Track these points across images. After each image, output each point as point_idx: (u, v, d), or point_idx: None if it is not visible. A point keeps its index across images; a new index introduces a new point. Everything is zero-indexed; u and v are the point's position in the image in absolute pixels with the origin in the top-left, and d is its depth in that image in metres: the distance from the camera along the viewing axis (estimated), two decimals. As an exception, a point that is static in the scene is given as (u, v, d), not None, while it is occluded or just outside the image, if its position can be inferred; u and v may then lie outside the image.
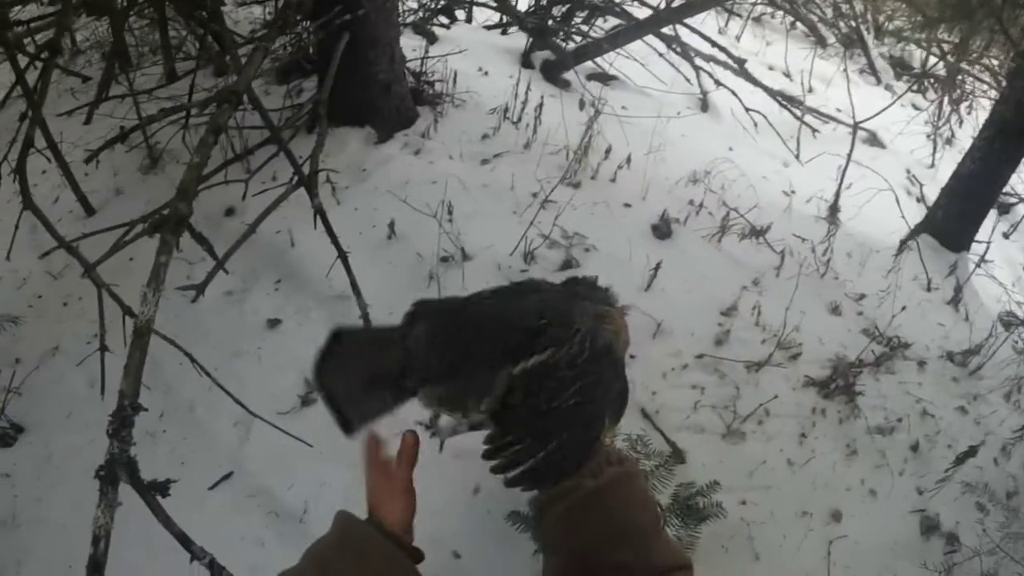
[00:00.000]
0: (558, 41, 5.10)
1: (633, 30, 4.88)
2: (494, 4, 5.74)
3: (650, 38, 5.17)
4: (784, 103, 5.43)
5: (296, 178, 2.89)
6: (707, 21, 6.24)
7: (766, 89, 5.47)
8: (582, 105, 4.58)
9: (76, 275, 3.43)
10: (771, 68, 6.41)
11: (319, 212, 2.84)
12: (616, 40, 4.89)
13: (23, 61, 3.71)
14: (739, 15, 7.37)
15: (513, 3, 5.75)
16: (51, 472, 2.94)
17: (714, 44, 5.62)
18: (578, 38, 5.25)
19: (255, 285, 3.40)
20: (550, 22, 5.25)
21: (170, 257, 2.05)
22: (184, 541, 1.38)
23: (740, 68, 5.51)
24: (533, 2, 5.51)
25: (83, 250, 2.74)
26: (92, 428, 2.98)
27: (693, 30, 5.57)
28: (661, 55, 5.33)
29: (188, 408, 3.00)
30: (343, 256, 2.89)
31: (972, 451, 3.00)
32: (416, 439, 1.15)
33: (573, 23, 5.47)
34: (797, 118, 5.38)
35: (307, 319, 3.26)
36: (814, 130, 5.38)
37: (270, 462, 2.81)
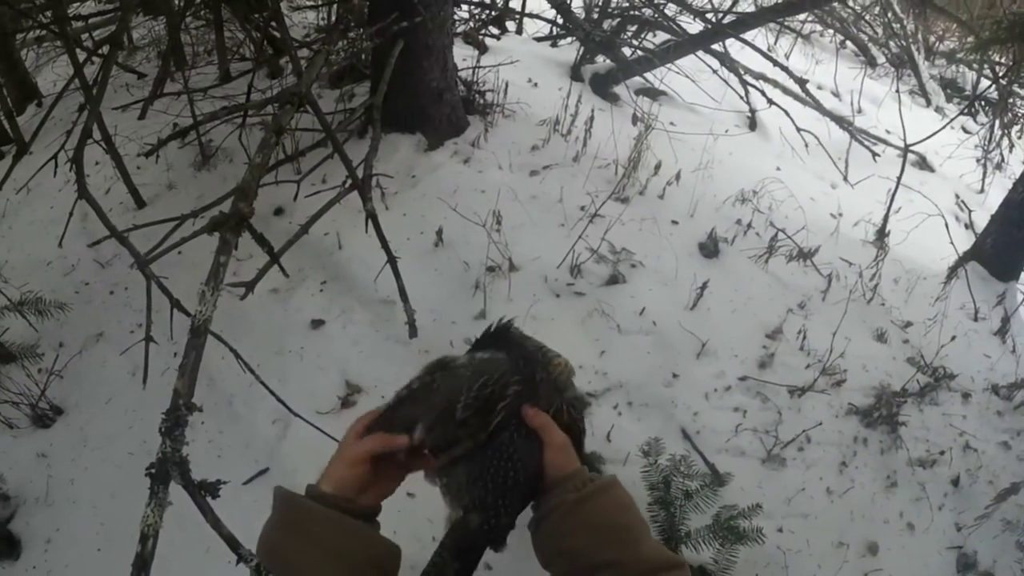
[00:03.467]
0: (617, 54, 5.08)
1: (684, 45, 4.86)
2: (547, 17, 5.76)
3: (702, 54, 5.14)
4: (850, 129, 5.37)
5: (349, 181, 2.91)
6: (757, 39, 6.19)
7: (826, 112, 5.41)
8: (635, 120, 4.57)
9: (124, 265, 3.52)
10: (820, 87, 6.34)
11: (371, 216, 2.86)
12: (666, 55, 4.87)
13: (80, 56, 3.79)
14: (794, 29, 7.29)
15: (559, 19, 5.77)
16: (86, 455, 3.00)
17: (775, 63, 5.57)
18: (628, 51, 5.24)
19: (301, 285, 3.43)
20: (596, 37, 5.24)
21: (229, 257, 2.06)
22: (232, 544, 1.38)
23: (803, 88, 5.48)
24: (583, 16, 5.51)
25: (133, 241, 2.79)
26: (131, 415, 3.07)
27: (754, 47, 5.54)
28: (715, 71, 5.30)
29: (228, 402, 3.03)
30: (392, 261, 2.91)
31: (1014, 488, 2.96)
32: (389, 440, 1.12)
33: (622, 37, 5.46)
34: (863, 144, 5.31)
35: (351, 321, 3.28)
36: (875, 154, 5.31)
37: (307, 461, 2.77)
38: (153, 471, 1.36)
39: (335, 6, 5.10)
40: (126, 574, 2.61)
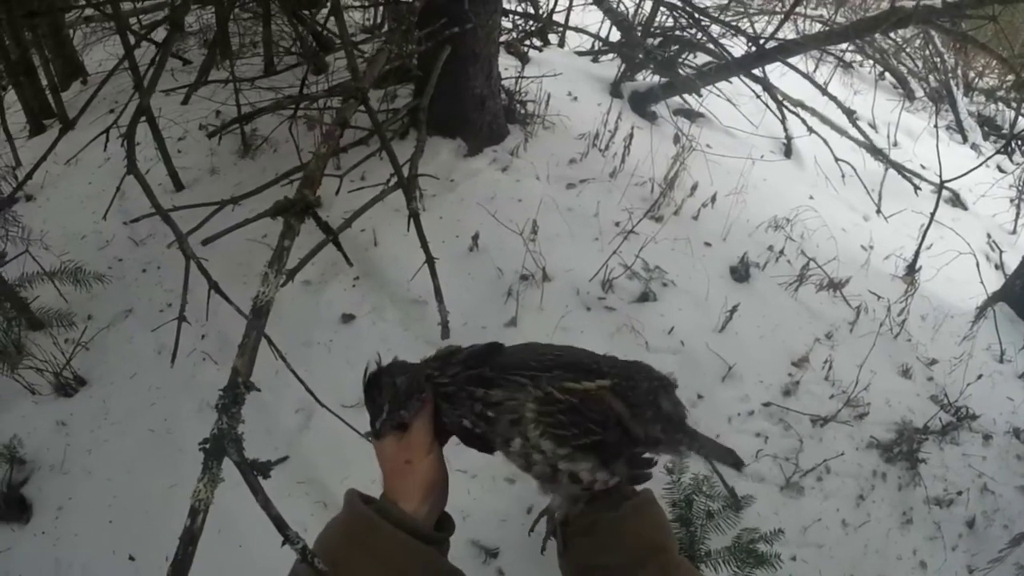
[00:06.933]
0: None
1: (726, 68, 4.87)
2: (591, 32, 5.79)
3: (743, 78, 5.15)
4: (890, 162, 5.35)
5: (394, 179, 2.94)
6: (797, 67, 6.19)
7: (871, 145, 5.39)
8: (676, 139, 4.60)
9: (158, 244, 3.59)
10: (858, 118, 6.34)
11: (414, 216, 2.88)
12: (708, 77, 4.89)
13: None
14: (836, 56, 7.24)
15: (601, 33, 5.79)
16: (106, 427, 3.03)
17: (824, 92, 5.57)
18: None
19: (333, 279, 3.47)
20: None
21: (292, 242, 2.10)
22: (280, 524, 1.41)
23: (850, 119, 5.48)
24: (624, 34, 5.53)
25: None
26: (154, 392, 3.11)
27: (802, 74, 5.55)
28: (757, 96, 5.29)
29: (253, 387, 3.06)
30: (431, 261, 2.93)
31: (1030, 533, 2.95)
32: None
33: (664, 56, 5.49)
34: (905, 178, 5.27)
35: (381, 318, 3.32)
36: (916, 187, 5.29)
37: (326, 452, 2.85)
38: (207, 446, 1.39)
39: (382, 8, 5.17)
40: (135, 547, 2.68)
